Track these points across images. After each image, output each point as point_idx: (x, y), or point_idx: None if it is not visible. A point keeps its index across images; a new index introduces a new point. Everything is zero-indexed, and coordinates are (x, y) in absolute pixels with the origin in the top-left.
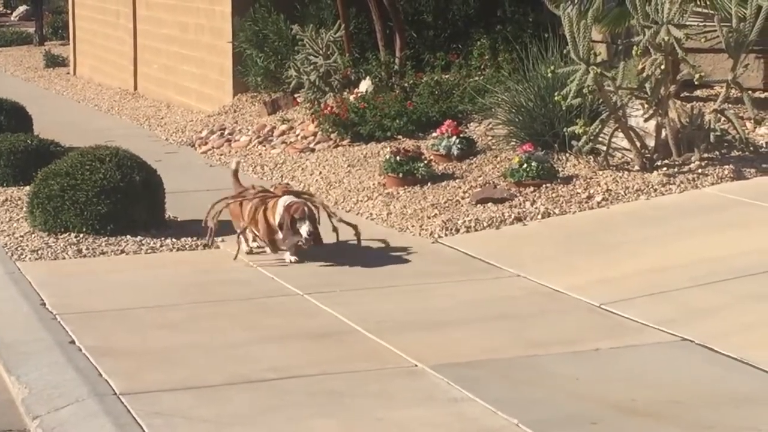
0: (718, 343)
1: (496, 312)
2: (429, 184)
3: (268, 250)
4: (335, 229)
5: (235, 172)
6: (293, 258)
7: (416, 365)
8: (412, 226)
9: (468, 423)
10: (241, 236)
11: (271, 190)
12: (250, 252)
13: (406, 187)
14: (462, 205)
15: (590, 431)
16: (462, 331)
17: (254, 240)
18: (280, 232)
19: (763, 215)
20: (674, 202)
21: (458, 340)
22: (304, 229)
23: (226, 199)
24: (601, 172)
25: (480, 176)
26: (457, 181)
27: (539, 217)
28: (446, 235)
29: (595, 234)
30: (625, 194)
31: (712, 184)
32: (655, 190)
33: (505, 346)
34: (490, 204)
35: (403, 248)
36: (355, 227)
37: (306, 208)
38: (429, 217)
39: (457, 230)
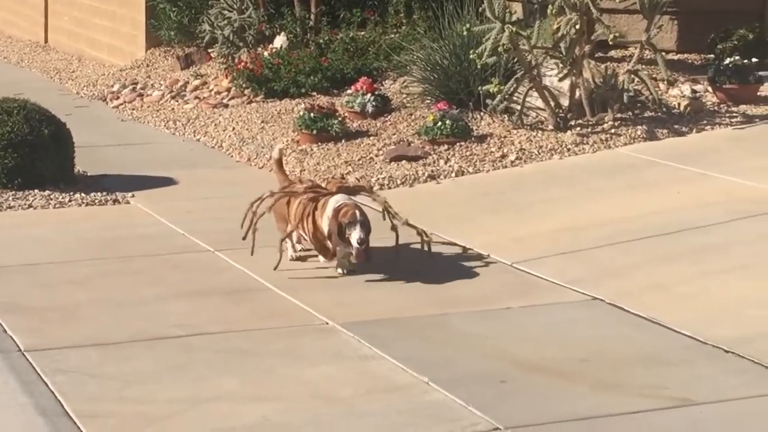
0: (628, 303)
1: (410, 271)
2: (343, 141)
3: (321, 259)
4: (394, 228)
5: (279, 162)
6: (341, 271)
7: (327, 323)
8: (326, 183)
9: (377, 380)
10: (286, 240)
11: (323, 185)
12: (296, 258)
13: (319, 143)
14: (376, 163)
15: (499, 389)
16: (373, 290)
17: (299, 242)
18: (329, 240)
19: (675, 175)
20: (587, 161)
21: (369, 299)
22: (355, 237)
23: (272, 196)
24: (515, 131)
25: (394, 134)
26: (371, 138)
27: (453, 175)
28: None
29: (508, 193)
30: (539, 153)
31: (625, 144)
32: (569, 149)
33: (416, 304)
34: (404, 162)
35: None
36: (423, 233)
37: (357, 212)
38: (343, 175)
39: (371, 188)
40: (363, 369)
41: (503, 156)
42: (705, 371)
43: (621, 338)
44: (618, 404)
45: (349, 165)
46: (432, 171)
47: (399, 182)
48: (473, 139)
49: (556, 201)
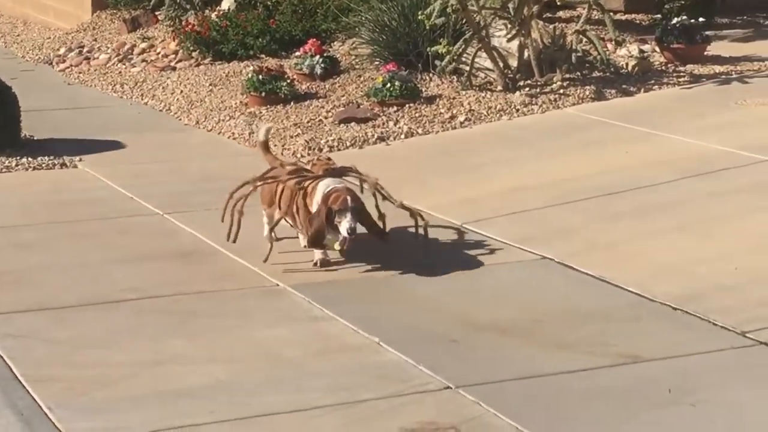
0: (577, 262)
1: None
2: (292, 103)
3: (303, 242)
4: (382, 216)
5: (266, 144)
6: (320, 257)
7: (277, 285)
8: (275, 145)
9: (328, 341)
10: (274, 231)
11: (308, 167)
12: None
13: (268, 106)
14: (325, 125)
15: (450, 349)
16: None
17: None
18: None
19: (623, 135)
20: (536, 122)
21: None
22: (345, 225)
23: (255, 181)
24: (464, 92)
25: (343, 96)
26: (320, 100)
27: (402, 136)
28: (309, 154)
29: (457, 154)
30: (488, 114)
31: (574, 104)
32: (518, 110)
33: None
34: (353, 123)
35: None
36: (418, 215)
37: (349, 197)
38: (292, 137)
39: (320, 150)
40: (314, 330)
41: (452, 117)
42: (653, 328)
43: (571, 297)
44: (568, 362)
45: (298, 127)
46: (381, 133)
47: (348, 144)
48: (422, 100)
49: (506, 161)
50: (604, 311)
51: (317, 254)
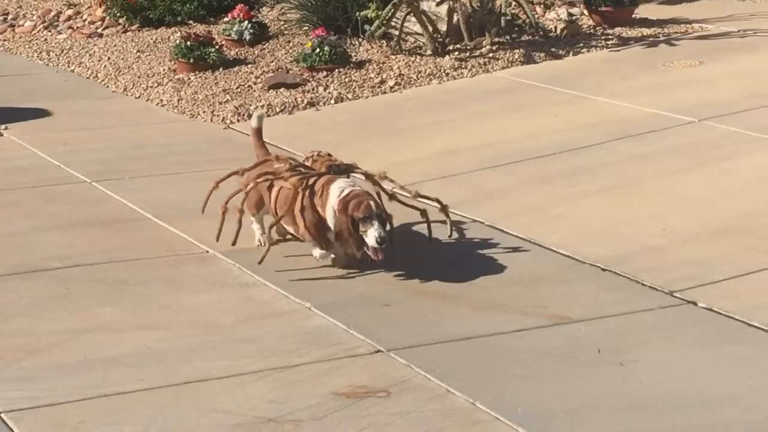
0: (507, 224)
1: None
2: (221, 69)
3: (315, 253)
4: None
5: (259, 131)
6: (326, 256)
7: (207, 251)
8: (204, 112)
9: (259, 307)
10: (264, 234)
11: (306, 162)
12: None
13: (197, 72)
14: (254, 91)
15: (382, 313)
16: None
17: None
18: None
19: (552, 98)
20: (465, 86)
21: (250, 226)
22: (373, 234)
23: (245, 174)
24: (393, 57)
25: (272, 61)
26: (249, 66)
27: (332, 102)
28: (239, 120)
29: (387, 118)
30: (418, 78)
31: (503, 68)
32: (447, 74)
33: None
34: (282, 89)
35: (195, 134)
36: (438, 201)
37: (373, 203)
38: (221, 103)
39: (250, 116)
40: (244, 296)
41: (382, 82)
42: (582, 289)
43: (501, 259)
44: (500, 324)
45: (228, 93)
46: (311, 98)
47: (278, 110)
48: (352, 65)
49: (436, 125)
50: (535, 273)
51: (316, 250)
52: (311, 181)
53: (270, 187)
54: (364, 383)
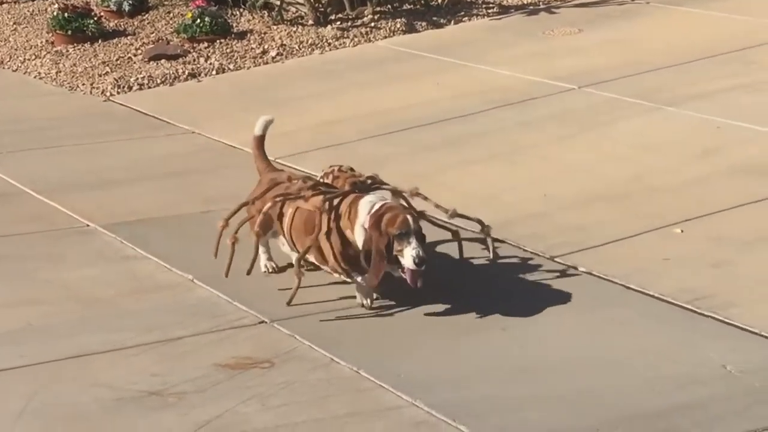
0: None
1: (169, 169)
2: (100, 41)
3: (362, 300)
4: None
5: (261, 140)
6: (367, 302)
7: (88, 225)
8: (83, 84)
9: (142, 280)
10: (271, 261)
11: (325, 179)
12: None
13: (75, 44)
14: (134, 63)
15: (264, 284)
16: (135, 189)
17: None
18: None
19: (434, 67)
20: (348, 55)
21: (131, 199)
22: (410, 254)
23: (253, 205)
24: (275, 27)
25: (153, 33)
26: (129, 37)
27: (214, 73)
28: (119, 93)
29: (270, 89)
30: (300, 49)
31: (385, 37)
32: (329, 44)
33: (179, 202)
34: (163, 61)
35: (74, 107)
36: (479, 222)
37: (410, 218)
38: (100, 75)
39: (130, 88)
40: (126, 269)
41: (264, 52)
42: (465, 256)
43: None
44: (384, 292)
45: (107, 65)
46: (192, 69)
47: (159, 81)
48: (233, 36)
49: (318, 96)
50: None
51: (361, 298)
52: (335, 201)
53: (282, 207)
54: (248, 354)
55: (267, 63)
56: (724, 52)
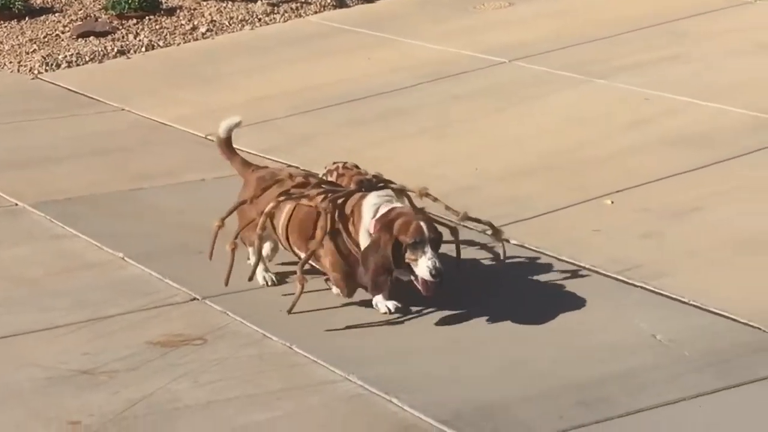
0: (321, 169)
1: (99, 146)
2: (27, 18)
3: (335, 290)
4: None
5: (227, 143)
6: (389, 307)
7: (16, 204)
8: (10, 62)
9: (71, 259)
10: (269, 274)
11: (328, 177)
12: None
13: (2, 22)
14: (63, 40)
15: (196, 261)
16: (64, 168)
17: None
18: (363, 267)
19: (365, 42)
20: (278, 31)
21: (60, 177)
22: (425, 263)
23: (251, 204)
24: (205, 3)
25: (81, 9)
26: (56, 14)
27: (143, 49)
28: (47, 71)
29: (200, 66)
30: (230, 25)
31: (315, 12)
32: (260, 19)
33: (109, 180)
34: (92, 38)
35: (1, 85)
36: (490, 226)
37: (425, 224)
38: (28, 53)
39: (58, 65)
40: (56, 248)
41: (194, 28)
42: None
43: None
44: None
45: (35, 43)
46: (121, 46)
47: (87, 59)
48: (162, 12)
49: (249, 72)
50: None
51: (382, 302)
52: (340, 201)
53: (276, 206)
54: (180, 331)
55: (197, 39)
56: (654, 24)
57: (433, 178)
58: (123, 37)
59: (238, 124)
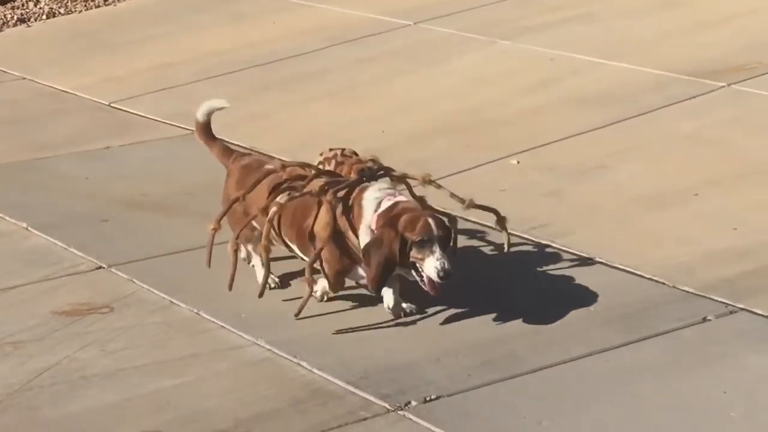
0: (228, 134)
1: (1, 116)
2: None
3: (318, 287)
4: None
5: (205, 127)
6: (406, 307)
7: None
8: None
9: None
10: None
11: (325, 165)
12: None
13: None
14: None
15: (101, 229)
16: None
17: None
18: (365, 264)
19: (270, 6)
20: None
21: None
22: (434, 265)
23: (242, 201)
24: None
25: None
26: None
27: (44, 17)
28: None
29: (102, 33)
30: None
31: None
32: None
33: (12, 150)
34: None
35: None
36: (494, 212)
37: (433, 222)
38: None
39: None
40: None
41: None
42: None
43: (220, 170)
44: (219, 235)
45: None
46: (21, 14)
47: None
48: None
49: (153, 38)
50: None
51: (390, 298)
52: (343, 192)
53: (268, 198)
54: (86, 300)
55: (99, 6)
56: None
57: (340, 140)
58: (23, 4)
59: (219, 108)
